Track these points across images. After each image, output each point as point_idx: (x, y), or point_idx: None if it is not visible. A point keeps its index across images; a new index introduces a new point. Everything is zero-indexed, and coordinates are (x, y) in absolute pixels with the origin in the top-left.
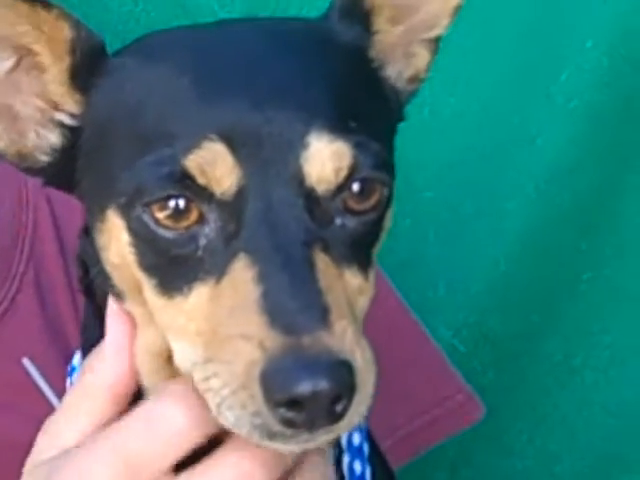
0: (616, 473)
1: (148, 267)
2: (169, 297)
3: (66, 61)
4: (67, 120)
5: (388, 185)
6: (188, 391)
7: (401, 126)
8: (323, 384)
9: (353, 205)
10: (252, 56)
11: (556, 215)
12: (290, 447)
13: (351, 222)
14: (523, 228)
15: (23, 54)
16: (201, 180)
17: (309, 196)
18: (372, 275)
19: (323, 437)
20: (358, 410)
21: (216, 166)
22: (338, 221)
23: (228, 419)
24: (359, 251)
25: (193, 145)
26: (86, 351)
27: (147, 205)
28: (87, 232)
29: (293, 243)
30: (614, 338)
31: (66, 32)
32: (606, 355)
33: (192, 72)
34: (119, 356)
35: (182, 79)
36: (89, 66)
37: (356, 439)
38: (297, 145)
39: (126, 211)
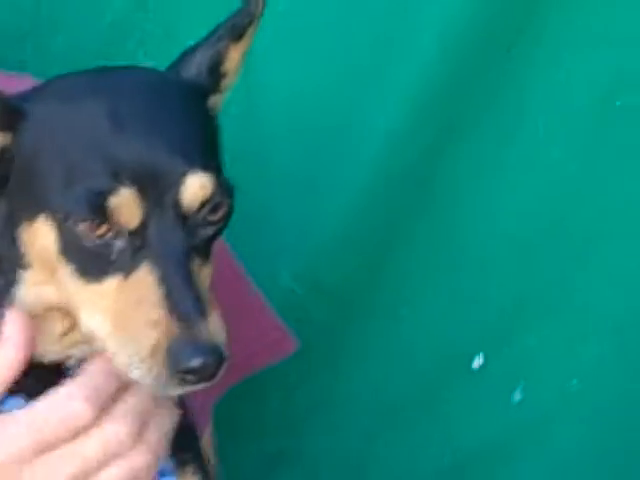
0: (426, 399)
1: (68, 258)
2: (85, 281)
3: None
4: None
5: (230, 204)
6: None
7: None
8: (210, 360)
9: (209, 219)
10: (142, 106)
11: (385, 181)
12: (177, 392)
13: (208, 231)
14: (355, 193)
15: None
16: (117, 220)
17: (185, 217)
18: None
19: (199, 387)
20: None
21: (128, 210)
22: (201, 231)
23: (134, 375)
24: (209, 248)
25: (112, 188)
26: None
27: (75, 222)
28: None
29: (178, 255)
30: (434, 292)
31: None
32: (427, 307)
33: (102, 119)
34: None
35: (96, 124)
36: (6, 117)
37: None
38: (178, 183)
39: (58, 222)
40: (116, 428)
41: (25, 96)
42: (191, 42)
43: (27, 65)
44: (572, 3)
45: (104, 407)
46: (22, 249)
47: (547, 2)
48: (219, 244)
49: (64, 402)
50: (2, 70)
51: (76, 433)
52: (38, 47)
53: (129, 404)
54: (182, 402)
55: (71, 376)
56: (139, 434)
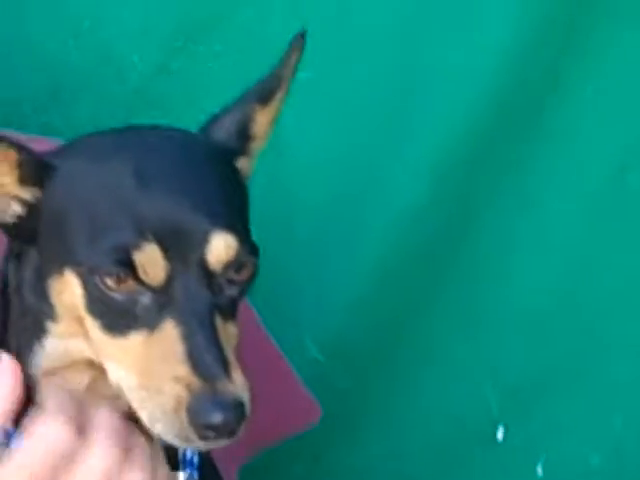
0: (446, 469)
1: (95, 312)
2: (111, 335)
3: (15, 173)
4: (26, 201)
5: (255, 264)
6: None
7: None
8: (230, 416)
9: (234, 278)
10: (169, 165)
11: (406, 250)
12: (198, 448)
13: (232, 290)
14: (376, 261)
15: None
16: (142, 275)
17: (210, 276)
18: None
19: (221, 443)
20: (243, 429)
21: (153, 265)
22: (226, 290)
23: (157, 429)
24: (235, 308)
25: (137, 244)
26: None
27: (101, 276)
28: (17, 258)
29: (203, 312)
30: (453, 360)
31: (12, 154)
32: (445, 370)
33: (129, 176)
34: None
35: (123, 181)
36: (36, 172)
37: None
38: (203, 242)
39: (84, 276)
40: (101, 451)
41: (54, 153)
42: (214, 108)
43: (52, 130)
44: (593, 73)
45: (81, 424)
46: (52, 301)
47: (567, 73)
48: (248, 313)
49: (44, 431)
50: (25, 134)
51: (64, 458)
52: (62, 112)
53: (105, 424)
54: (210, 460)
55: None
56: (124, 453)
